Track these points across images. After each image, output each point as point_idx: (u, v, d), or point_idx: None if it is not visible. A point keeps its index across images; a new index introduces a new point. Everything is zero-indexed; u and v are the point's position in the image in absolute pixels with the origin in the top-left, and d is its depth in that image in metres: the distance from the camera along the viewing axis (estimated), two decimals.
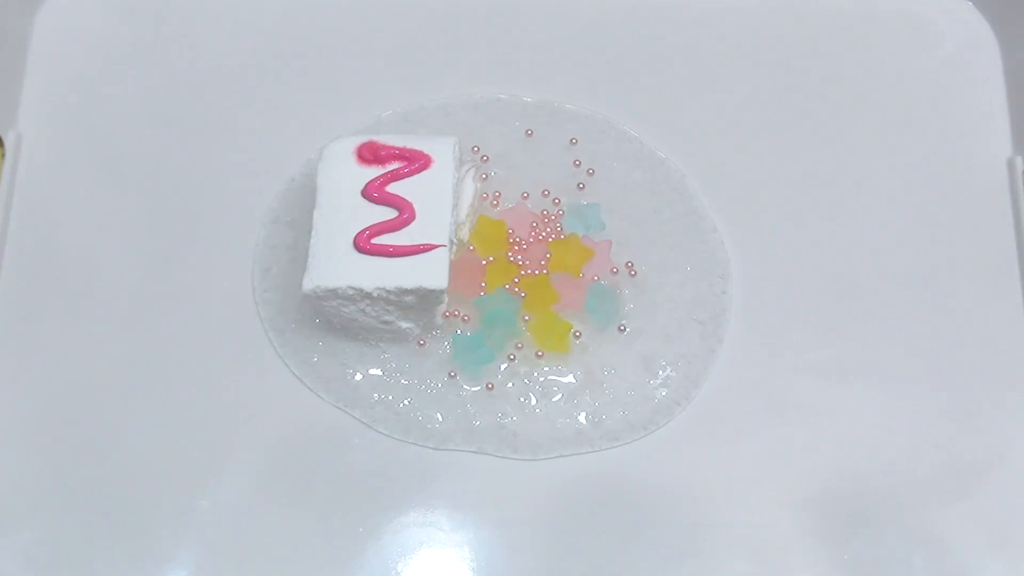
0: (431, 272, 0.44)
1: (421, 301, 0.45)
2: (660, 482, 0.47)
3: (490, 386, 0.48)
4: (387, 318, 0.46)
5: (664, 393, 0.48)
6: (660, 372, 0.48)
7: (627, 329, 0.49)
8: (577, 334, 0.48)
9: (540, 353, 0.48)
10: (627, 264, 0.50)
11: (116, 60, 0.54)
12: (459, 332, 0.48)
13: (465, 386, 0.48)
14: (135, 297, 0.50)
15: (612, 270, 0.50)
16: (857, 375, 0.49)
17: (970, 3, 0.57)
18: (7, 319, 0.49)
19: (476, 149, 0.52)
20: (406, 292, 0.44)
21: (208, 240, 0.51)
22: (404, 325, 0.47)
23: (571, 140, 0.53)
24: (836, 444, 0.48)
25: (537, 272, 0.49)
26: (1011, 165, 0.53)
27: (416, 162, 0.46)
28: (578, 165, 0.52)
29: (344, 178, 0.46)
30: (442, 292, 0.44)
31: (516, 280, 0.49)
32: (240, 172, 0.52)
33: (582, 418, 0.48)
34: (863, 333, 0.50)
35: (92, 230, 0.51)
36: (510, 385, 0.48)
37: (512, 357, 0.48)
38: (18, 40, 0.54)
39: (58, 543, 0.46)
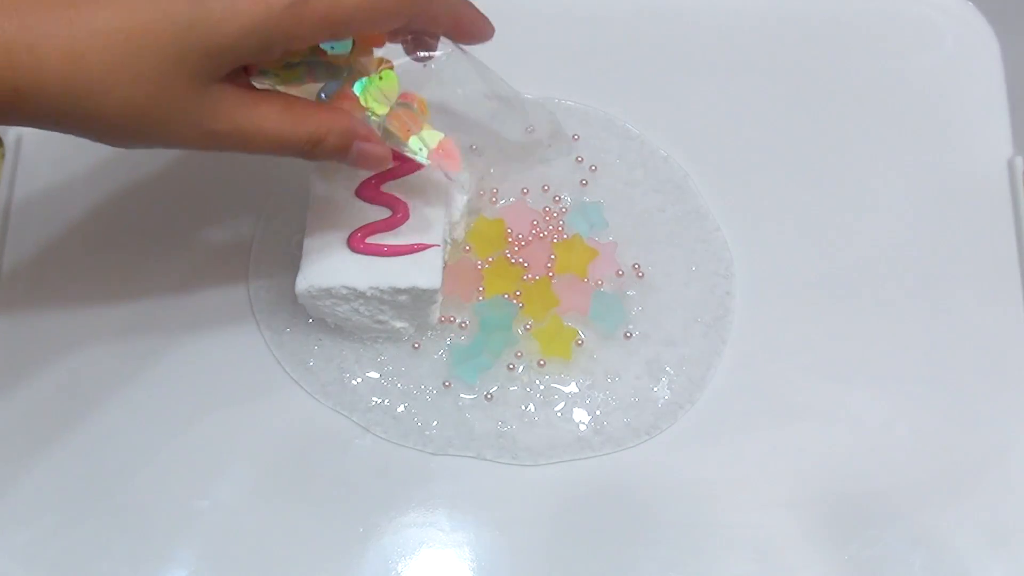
0: (424, 272, 0.44)
1: (415, 301, 0.45)
2: (661, 484, 0.47)
3: (489, 396, 0.48)
4: (381, 318, 0.46)
5: (667, 397, 0.48)
6: (664, 377, 0.48)
7: (633, 335, 0.49)
8: (580, 341, 0.48)
9: (542, 362, 0.48)
10: (634, 266, 0.50)
11: None
12: (459, 339, 0.48)
13: (463, 395, 0.48)
14: (133, 297, 0.50)
15: (618, 272, 0.50)
16: (858, 375, 0.49)
17: (970, 3, 0.57)
18: (7, 319, 0.49)
19: (474, 148, 0.52)
20: (400, 292, 0.44)
21: (205, 240, 0.51)
22: (398, 325, 0.47)
23: (573, 136, 0.53)
24: (836, 444, 0.48)
25: (537, 277, 0.49)
26: (1011, 165, 0.53)
27: (410, 161, 0.46)
28: (580, 161, 0.52)
29: (337, 177, 0.46)
30: (435, 292, 0.44)
31: (517, 286, 0.49)
32: (236, 172, 0.52)
33: (584, 425, 0.47)
34: (863, 332, 0.50)
35: (91, 230, 0.51)
36: (512, 389, 0.48)
37: (511, 366, 0.48)
38: None
39: (58, 543, 0.46)
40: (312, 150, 0.39)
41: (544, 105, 0.49)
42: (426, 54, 0.42)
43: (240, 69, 0.37)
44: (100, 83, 0.34)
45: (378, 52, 0.42)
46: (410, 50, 0.43)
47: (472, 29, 0.42)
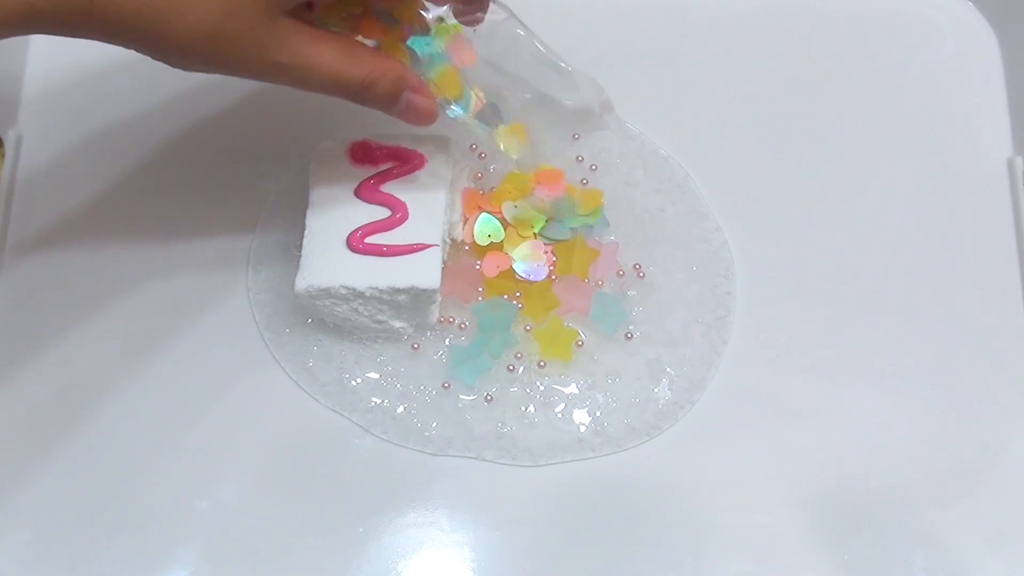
0: (424, 272, 0.44)
1: (414, 300, 0.45)
2: (661, 484, 0.47)
3: (488, 397, 0.48)
4: (380, 317, 0.46)
5: (668, 397, 0.48)
6: (664, 377, 0.48)
7: (633, 336, 0.49)
8: (580, 342, 0.48)
9: (542, 363, 0.48)
10: (635, 266, 0.50)
11: (116, 60, 0.54)
12: (458, 340, 0.48)
13: (463, 396, 0.48)
14: (133, 298, 0.50)
15: (619, 272, 0.50)
16: (858, 375, 0.49)
17: (970, 3, 0.57)
18: (7, 319, 0.49)
19: (474, 147, 0.52)
20: (399, 291, 0.44)
21: (204, 240, 0.51)
22: (397, 325, 0.47)
23: (573, 136, 0.53)
24: (837, 444, 0.48)
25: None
26: (1011, 165, 0.53)
27: (410, 162, 0.47)
28: (580, 161, 0.52)
29: (337, 177, 0.46)
30: (435, 292, 0.44)
31: (517, 287, 0.49)
32: (236, 172, 0.52)
33: (584, 426, 0.47)
34: (863, 332, 0.50)
35: (91, 230, 0.51)
36: (512, 390, 0.48)
37: (511, 367, 0.48)
38: (18, 40, 0.54)
39: (58, 543, 0.46)
40: (364, 93, 0.40)
41: (593, 78, 0.50)
42: (474, 16, 0.44)
43: (304, 7, 0.38)
44: (175, 2, 0.35)
45: None
46: (459, 13, 0.44)
47: None
